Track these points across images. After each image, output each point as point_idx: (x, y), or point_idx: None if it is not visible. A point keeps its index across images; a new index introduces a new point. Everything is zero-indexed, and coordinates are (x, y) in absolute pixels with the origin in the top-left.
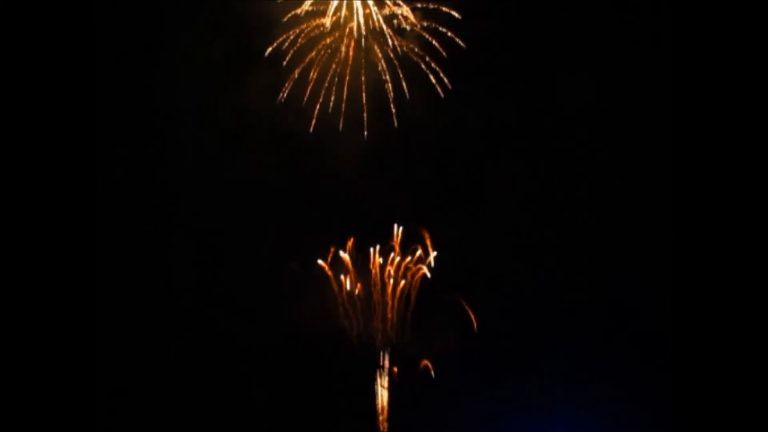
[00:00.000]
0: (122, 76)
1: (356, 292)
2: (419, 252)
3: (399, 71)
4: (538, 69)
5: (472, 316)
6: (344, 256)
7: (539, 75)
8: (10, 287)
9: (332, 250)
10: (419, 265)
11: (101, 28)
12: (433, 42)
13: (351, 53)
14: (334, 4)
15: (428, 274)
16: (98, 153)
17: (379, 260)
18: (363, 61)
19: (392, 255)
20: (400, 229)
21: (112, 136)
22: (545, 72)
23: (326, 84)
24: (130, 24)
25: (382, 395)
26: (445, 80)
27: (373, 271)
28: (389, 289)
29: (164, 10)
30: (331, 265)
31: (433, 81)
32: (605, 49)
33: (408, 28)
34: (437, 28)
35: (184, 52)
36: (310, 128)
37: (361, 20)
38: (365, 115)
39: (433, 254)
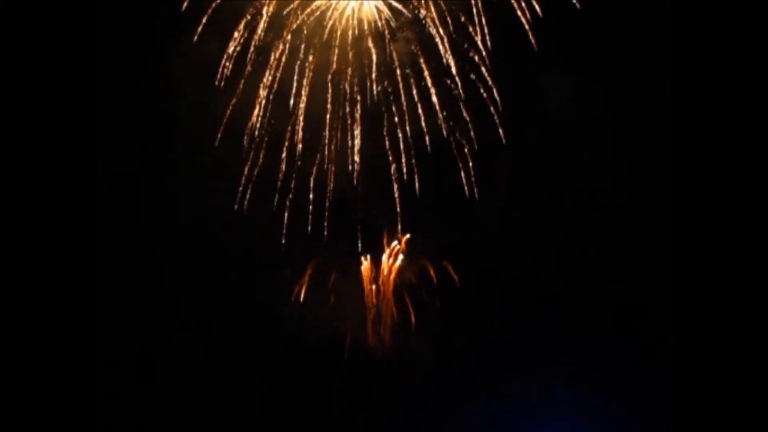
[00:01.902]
0: (121, 76)
1: (354, 297)
2: (418, 256)
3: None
4: (534, 71)
5: (471, 317)
6: (341, 262)
7: (536, 77)
8: (9, 288)
9: (329, 255)
10: (418, 270)
11: (101, 28)
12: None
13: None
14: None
15: (426, 279)
16: (97, 154)
17: (374, 267)
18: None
19: (391, 259)
20: (398, 233)
21: (110, 136)
22: (541, 75)
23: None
24: (130, 24)
25: (383, 396)
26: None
27: (370, 276)
28: (387, 294)
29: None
30: (328, 270)
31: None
32: (604, 50)
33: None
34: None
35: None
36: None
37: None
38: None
39: (432, 258)
